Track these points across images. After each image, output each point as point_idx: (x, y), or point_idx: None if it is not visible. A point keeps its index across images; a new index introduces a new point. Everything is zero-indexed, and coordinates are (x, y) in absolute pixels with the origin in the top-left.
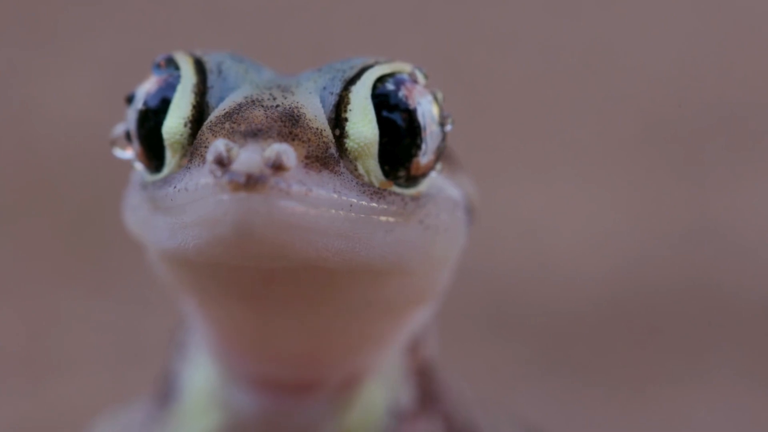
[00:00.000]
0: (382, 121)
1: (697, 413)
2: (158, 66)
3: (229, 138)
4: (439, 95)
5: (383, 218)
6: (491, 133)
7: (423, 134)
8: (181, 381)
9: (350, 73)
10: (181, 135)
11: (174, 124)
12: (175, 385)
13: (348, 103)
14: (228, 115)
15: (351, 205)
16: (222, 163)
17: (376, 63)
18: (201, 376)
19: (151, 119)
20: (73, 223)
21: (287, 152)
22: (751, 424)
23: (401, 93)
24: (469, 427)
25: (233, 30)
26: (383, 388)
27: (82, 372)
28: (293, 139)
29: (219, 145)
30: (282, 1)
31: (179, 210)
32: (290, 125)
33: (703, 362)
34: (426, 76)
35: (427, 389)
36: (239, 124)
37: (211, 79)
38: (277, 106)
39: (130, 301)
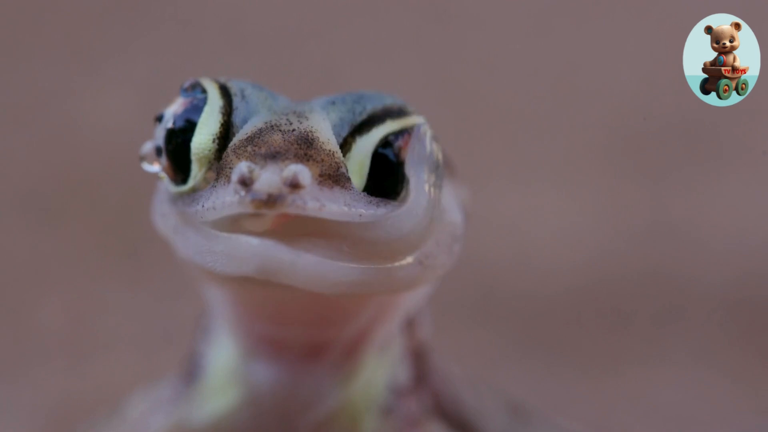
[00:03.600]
0: (375, 169)
1: (657, 388)
2: (185, 89)
3: (251, 160)
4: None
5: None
6: (478, 142)
7: (406, 186)
8: (205, 361)
9: (359, 119)
10: (209, 150)
11: (203, 140)
12: (199, 364)
13: (349, 150)
14: (250, 139)
15: (360, 215)
16: (245, 183)
17: (387, 116)
18: (222, 357)
19: (179, 137)
20: (111, 221)
21: (302, 172)
22: (704, 397)
23: (397, 144)
24: (456, 403)
25: (252, 52)
26: (383, 366)
27: (118, 353)
28: (308, 160)
29: (242, 167)
30: (295, 28)
31: (210, 235)
32: (305, 147)
33: (662, 343)
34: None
35: (421, 368)
36: (260, 147)
37: (236, 101)
38: (293, 130)
39: (161, 290)
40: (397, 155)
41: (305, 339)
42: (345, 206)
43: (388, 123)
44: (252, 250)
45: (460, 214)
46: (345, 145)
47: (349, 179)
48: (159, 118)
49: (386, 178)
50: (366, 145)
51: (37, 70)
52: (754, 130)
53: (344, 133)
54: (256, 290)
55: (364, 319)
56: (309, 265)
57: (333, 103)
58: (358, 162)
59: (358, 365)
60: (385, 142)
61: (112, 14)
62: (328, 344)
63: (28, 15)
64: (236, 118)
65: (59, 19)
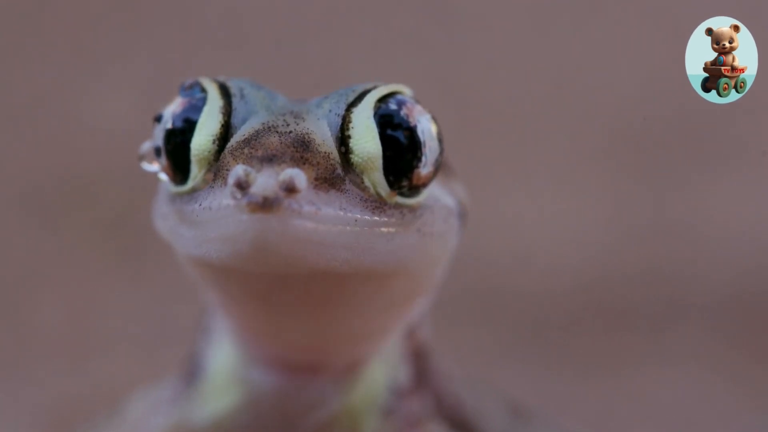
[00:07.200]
0: (386, 138)
1: (657, 388)
2: (184, 89)
3: (247, 163)
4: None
5: (384, 229)
6: (480, 142)
7: (423, 149)
8: (206, 361)
9: (352, 96)
10: (209, 151)
11: (202, 141)
12: (200, 365)
13: (350, 122)
14: (247, 141)
15: (356, 220)
16: (241, 186)
17: (375, 87)
18: (223, 357)
19: (178, 136)
20: (111, 220)
21: (299, 176)
22: (704, 397)
23: (403, 112)
24: (456, 403)
25: (252, 52)
26: (384, 368)
27: (118, 353)
28: (304, 163)
29: (239, 170)
30: (295, 28)
31: (204, 225)
32: (301, 150)
33: (662, 343)
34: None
35: (421, 369)
36: (257, 150)
37: (235, 101)
38: (290, 132)
39: (162, 290)
40: (407, 117)
41: (307, 360)
42: (341, 210)
43: (376, 90)
44: (243, 226)
45: (453, 200)
46: (345, 121)
47: (345, 181)
48: (158, 118)
49: (404, 152)
50: (363, 110)
51: (37, 71)
52: (753, 130)
53: (341, 111)
54: (258, 316)
55: (367, 341)
56: (300, 230)
57: (327, 96)
58: (363, 126)
59: (360, 374)
60: (391, 111)
61: (112, 15)
62: (329, 363)
63: (28, 16)
64: (235, 118)
65: (60, 20)
